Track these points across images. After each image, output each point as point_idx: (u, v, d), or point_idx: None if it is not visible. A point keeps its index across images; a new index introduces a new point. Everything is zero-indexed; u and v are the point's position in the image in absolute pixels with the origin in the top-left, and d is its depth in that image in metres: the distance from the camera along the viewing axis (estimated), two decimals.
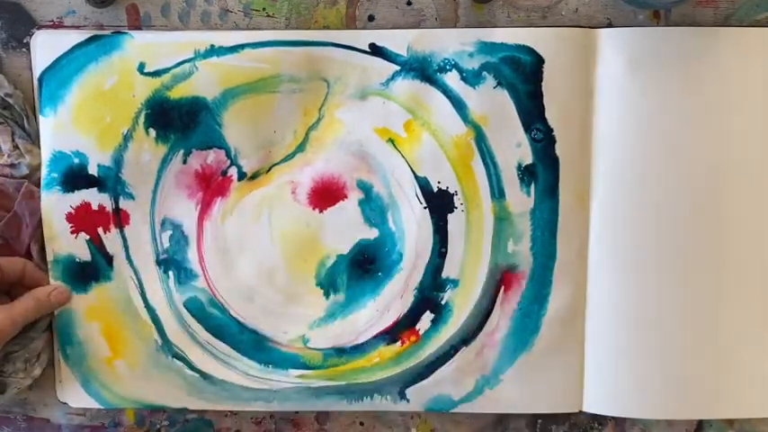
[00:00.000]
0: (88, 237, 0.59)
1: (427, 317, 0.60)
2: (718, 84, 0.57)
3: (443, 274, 0.59)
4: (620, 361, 0.59)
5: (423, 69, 0.57)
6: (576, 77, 0.57)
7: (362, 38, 0.57)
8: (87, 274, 0.59)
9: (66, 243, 0.59)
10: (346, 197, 0.59)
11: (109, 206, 0.59)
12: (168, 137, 0.58)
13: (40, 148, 0.58)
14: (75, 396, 0.61)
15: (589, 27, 0.57)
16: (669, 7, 0.57)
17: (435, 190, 0.58)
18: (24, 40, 0.58)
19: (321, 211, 0.59)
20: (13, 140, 0.58)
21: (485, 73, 0.57)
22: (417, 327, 0.60)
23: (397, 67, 0.57)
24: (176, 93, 0.57)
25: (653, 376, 0.59)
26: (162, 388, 0.61)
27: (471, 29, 0.57)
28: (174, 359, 0.60)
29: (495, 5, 0.58)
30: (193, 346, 0.60)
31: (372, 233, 0.59)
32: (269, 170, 0.59)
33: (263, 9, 0.58)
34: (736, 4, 0.57)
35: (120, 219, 0.59)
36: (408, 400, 0.60)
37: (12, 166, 0.58)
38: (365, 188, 0.59)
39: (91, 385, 0.61)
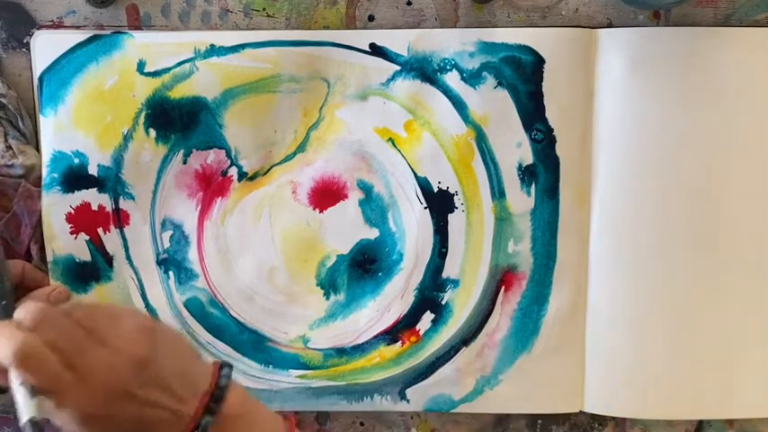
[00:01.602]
0: (88, 237, 0.59)
1: (427, 317, 0.60)
2: (718, 84, 0.57)
3: (444, 275, 0.59)
4: (620, 361, 0.59)
5: (423, 69, 0.57)
6: (577, 77, 0.57)
7: (363, 38, 0.57)
8: (87, 274, 0.59)
9: (65, 243, 0.59)
10: (347, 197, 0.59)
11: (109, 206, 0.59)
12: (168, 137, 0.58)
13: (34, 148, 0.58)
14: None
15: (589, 27, 0.57)
16: (669, 7, 0.57)
17: (436, 190, 0.58)
18: (24, 40, 0.58)
19: (321, 211, 0.59)
20: (6, 141, 0.57)
21: (485, 73, 0.57)
22: (417, 327, 0.60)
23: (398, 67, 0.57)
24: (176, 93, 0.57)
25: (653, 376, 0.59)
26: None
27: (471, 29, 0.57)
28: None
29: (495, 5, 0.58)
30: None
31: (373, 233, 0.59)
32: (269, 170, 0.59)
33: (263, 9, 0.58)
34: (736, 4, 0.57)
35: (120, 219, 0.59)
36: (408, 401, 0.60)
37: (7, 166, 0.58)
38: (365, 188, 0.59)
39: None
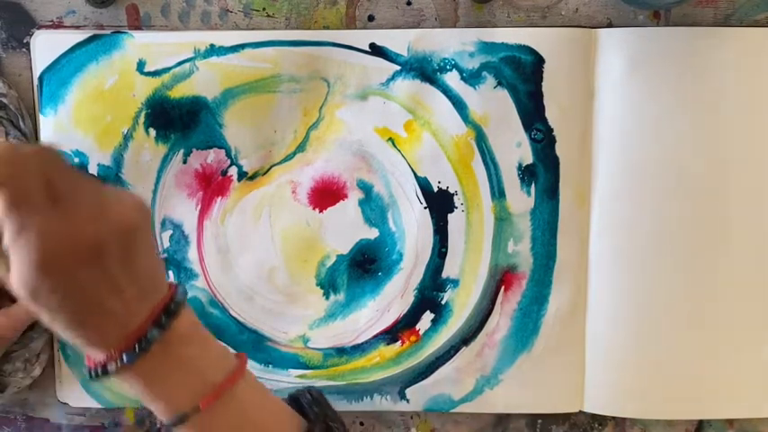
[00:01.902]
0: None
1: (427, 317, 0.60)
2: (718, 84, 0.57)
3: (443, 274, 0.59)
4: (620, 361, 0.59)
5: (423, 69, 0.57)
6: (576, 77, 0.57)
7: (362, 38, 0.57)
8: None
9: None
10: (346, 197, 0.59)
11: None
12: (168, 136, 0.58)
13: None
14: (74, 396, 0.61)
15: (589, 27, 0.57)
16: (669, 7, 0.57)
17: (435, 190, 0.58)
18: (24, 40, 0.58)
19: (321, 211, 0.59)
20: (7, 140, 0.57)
21: (485, 73, 0.57)
22: (417, 327, 0.60)
23: (398, 67, 0.57)
24: (176, 92, 0.57)
25: (653, 376, 0.59)
26: None
27: (471, 29, 0.57)
28: None
29: (495, 5, 0.58)
30: None
31: (372, 233, 0.59)
32: (269, 170, 0.59)
33: (263, 9, 0.58)
34: (736, 4, 0.57)
35: None
36: (408, 400, 0.60)
37: None
38: (365, 188, 0.59)
39: (91, 385, 0.60)
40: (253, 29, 0.58)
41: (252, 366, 0.60)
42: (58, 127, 0.58)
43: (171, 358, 0.39)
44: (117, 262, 0.37)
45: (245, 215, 0.59)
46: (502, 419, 0.62)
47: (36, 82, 0.58)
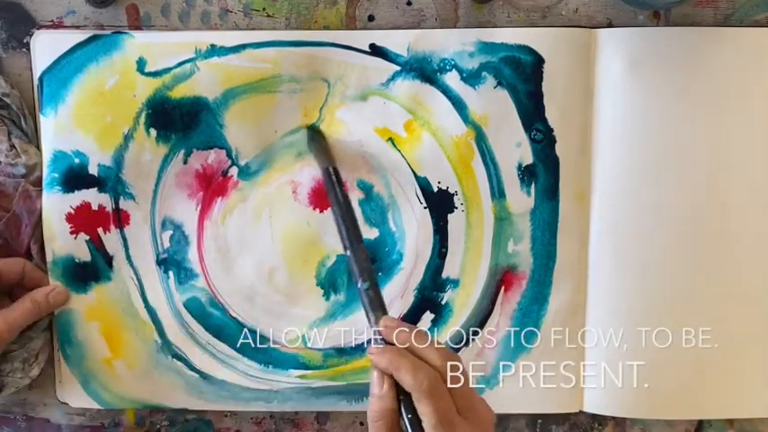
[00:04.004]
0: (88, 237, 0.59)
1: (427, 317, 0.60)
2: (718, 84, 0.57)
3: (443, 274, 0.59)
4: (620, 361, 0.59)
5: (423, 69, 0.57)
6: (576, 77, 0.57)
7: (362, 38, 0.57)
8: (87, 274, 0.59)
9: (65, 243, 0.59)
10: None
11: (109, 206, 0.59)
12: (169, 137, 0.58)
13: (36, 147, 0.58)
14: (74, 396, 0.61)
15: (589, 27, 0.57)
16: (669, 7, 0.57)
17: (435, 190, 0.58)
18: (24, 40, 0.58)
19: (321, 211, 0.59)
20: (9, 140, 0.57)
21: (485, 73, 0.57)
22: (417, 327, 0.60)
23: (398, 68, 0.57)
24: (177, 93, 0.57)
25: (653, 376, 0.59)
26: (162, 388, 0.60)
27: (471, 29, 0.57)
28: (174, 359, 0.60)
29: (495, 5, 0.58)
30: (193, 347, 0.60)
31: (373, 233, 0.59)
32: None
33: (263, 9, 0.58)
34: (736, 4, 0.58)
35: (120, 219, 0.59)
36: None
37: (10, 165, 0.58)
38: (365, 188, 0.59)
39: (90, 385, 0.60)
40: (253, 29, 0.58)
41: (252, 366, 0.60)
42: (59, 127, 0.58)
43: None
44: None
45: (246, 215, 0.59)
46: (502, 419, 0.62)
47: (36, 82, 0.58)
